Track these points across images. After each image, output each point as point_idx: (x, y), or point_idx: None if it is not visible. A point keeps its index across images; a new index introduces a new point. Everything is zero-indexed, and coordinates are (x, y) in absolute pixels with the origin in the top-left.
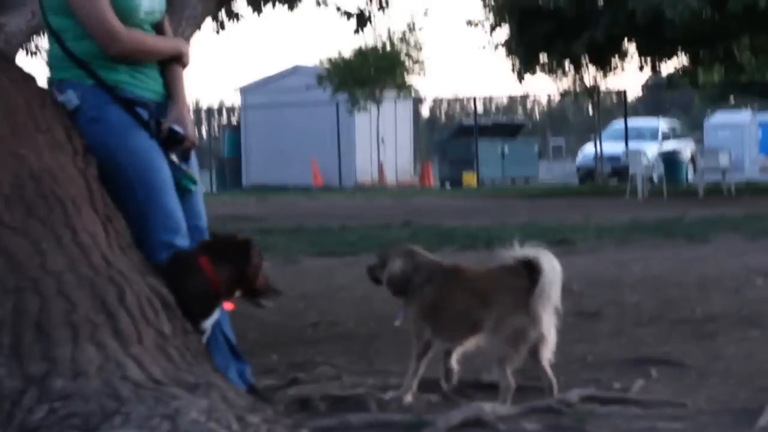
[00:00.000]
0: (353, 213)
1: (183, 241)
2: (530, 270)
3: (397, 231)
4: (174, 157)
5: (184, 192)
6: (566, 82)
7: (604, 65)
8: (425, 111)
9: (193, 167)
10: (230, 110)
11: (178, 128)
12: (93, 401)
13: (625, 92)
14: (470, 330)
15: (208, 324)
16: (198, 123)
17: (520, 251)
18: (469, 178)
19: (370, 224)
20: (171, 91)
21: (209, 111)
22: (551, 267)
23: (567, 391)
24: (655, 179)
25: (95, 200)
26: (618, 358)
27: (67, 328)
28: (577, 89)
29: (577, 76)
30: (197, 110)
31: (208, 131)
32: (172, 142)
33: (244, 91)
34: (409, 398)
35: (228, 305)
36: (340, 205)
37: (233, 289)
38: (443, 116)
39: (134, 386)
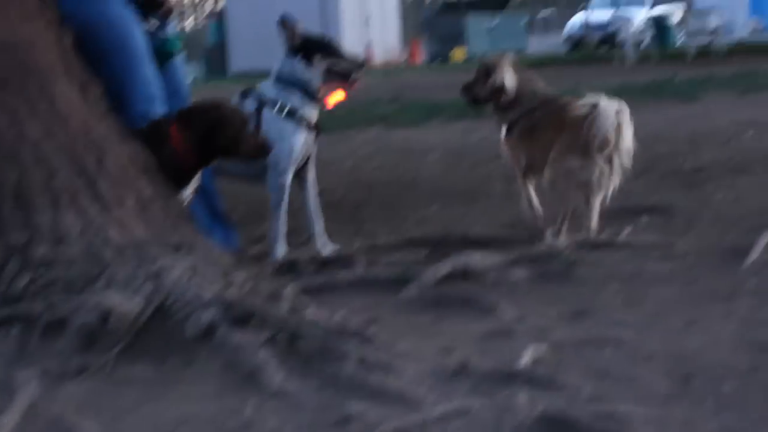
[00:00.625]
0: None
1: (161, 108)
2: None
3: (385, 106)
4: (153, 23)
5: (164, 59)
6: None
7: None
8: None
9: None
10: None
11: None
12: (76, 266)
13: None
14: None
15: (185, 194)
16: (182, 14)
17: (590, 99)
18: (459, 54)
19: (358, 101)
20: None
21: (192, 1)
22: (607, 114)
23: (553, 239)
24: (645, 44)
25: (71, 69)
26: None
27: (47, 195)
28: None
29: None
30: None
31: (194, 21)
32: (151, 5)
33: None
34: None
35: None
36: None
37: (209, 156)
38: None
39: (116, 249)
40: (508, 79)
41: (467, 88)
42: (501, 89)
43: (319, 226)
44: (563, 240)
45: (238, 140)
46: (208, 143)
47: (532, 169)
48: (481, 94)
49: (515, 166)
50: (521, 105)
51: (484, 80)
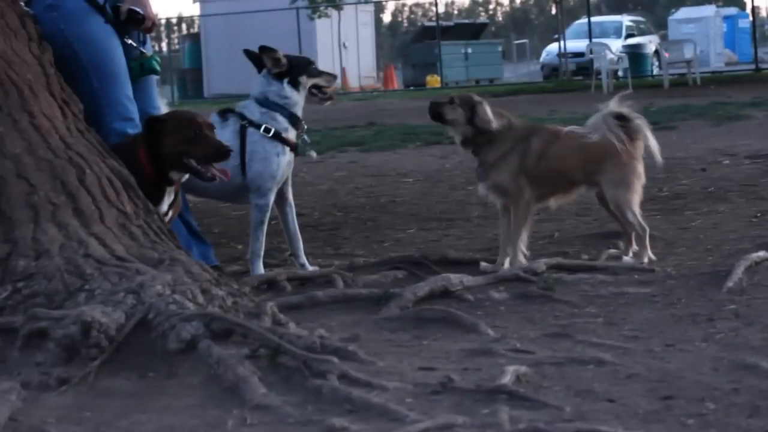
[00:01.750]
0: (316, 117)
1: (136, 131)
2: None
3: (362, 131)
4: (132, 41)
5: (142, 76)
6: None
7: None
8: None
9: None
10: (189, 21)
11: (137, 9)
12: (56, 279)
13: None
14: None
15: (162, 209)
16: (158, 37)
17: (615, 105)
18: (433, 81)
19: (334, 125)
20: None
21: (168, 23)
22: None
23: (533, 261)
24: (620, 74)
25: (52, 85)
26: (585, 233)
27: (28, 209)
28: None
29: None
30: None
31: (168, 44)
32: (131, 23)
33: (202, 0)
34: (523, 260)
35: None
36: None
37: (172, 166)
38: (405, 21)
39: (97, 263)
40: (491, 119)
41: (437, 107)
42: (485, 129)
43: (298, 244)
44: (542, 262)
45: (193, 144)
46: (166, 150)
47: (543, 197)
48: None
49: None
50: (504, 140)
51: (464, 115)
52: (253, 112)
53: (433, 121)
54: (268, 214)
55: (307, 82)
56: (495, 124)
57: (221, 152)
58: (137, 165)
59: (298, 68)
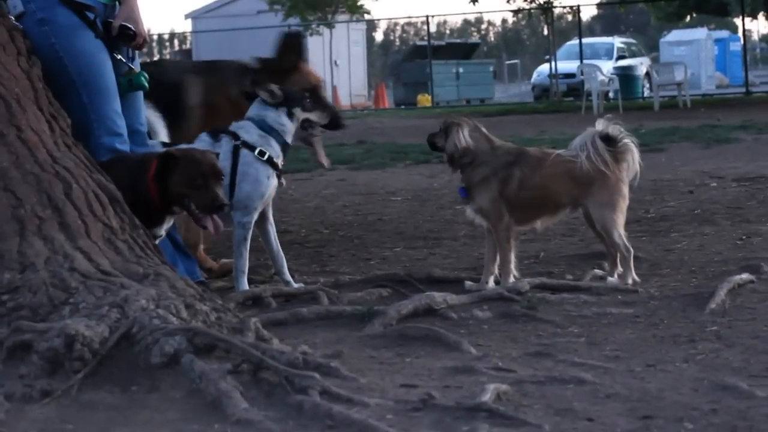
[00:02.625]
0: None
1: (124, 146)
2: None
3: (352, 149)
4: (121, 57)
5: (130, 92)
6: (519, 2)
7: None
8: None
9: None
10: (181, 37)
11: (129, 25)
12: (41, 293)
13: (578, 7)
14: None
15: (159, 232)
16: (149, 53)
17: (603, 126)
18: (424, 101)
19: (324, 143)
20: None
21: (160, 39)
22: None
23: (517, 281)
24: (611, 95)
25: (40, 99)
26: (571, 254)
27: (14, 222)
28: (531, 8)
29: None
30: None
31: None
32: (123, 39)
33: (194, 17)
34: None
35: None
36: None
37: (172, 202)
38: (397, 40)
39: (82, 277)
40: (468, 140)
41: (431, 137)
42: (463, 151)
43: (282, 262)
44: (526, 282)
45: (196, 191)
46: (170, 188)
47: (528, 221)
48: (441, 147)
49: (494, 220)
50: (486, 164)
51: (444, 138)
52: (252, 134)
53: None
54: (250, 232)
55: (300, 115)
56: (464, 146)
57: (216, 206)
58: (145, 188)
59: (293, 100)
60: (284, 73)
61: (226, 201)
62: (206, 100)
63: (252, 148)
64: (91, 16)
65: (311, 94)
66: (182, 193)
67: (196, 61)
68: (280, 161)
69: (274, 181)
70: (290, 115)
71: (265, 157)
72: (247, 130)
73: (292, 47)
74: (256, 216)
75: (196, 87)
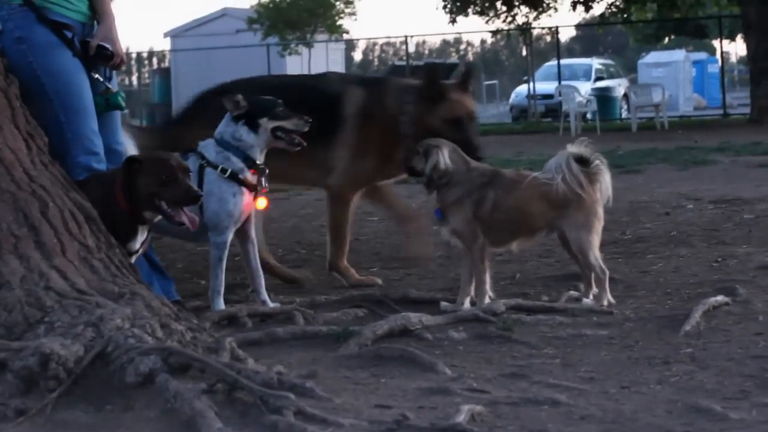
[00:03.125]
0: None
1: (101, 165)
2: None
3: None
4: (98, 76)
5: (107, 111)
6: (498, 23)
7: (536, 4)
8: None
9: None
10: (160, 56)
11: (106, 45)
12: (16, 311)
13: (557, 28)
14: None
15: (134, 246)
16: (128, 71)
17: (576, 147)
18: None
19: None
20: (98, 10)
21: (139, 57)
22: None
23: (492, 302)
24: (589, 116)
25: (17, 117)
26: (547, 275)
27: None
28: (509, 29)
29: (510, 15)
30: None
31: (138, 78)
32: (100, 59)
33: (173, 35)
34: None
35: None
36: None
37: (146, 207)
38: (376, 60)
39: (58, 296)
40: (448, 162)
41: (408, 161)
42: (440, 172)
43: (260, 281)
44: (501, 303)
45: (165, 187)
46: (140, 190)
47: (504, 242)
48: (420, 170)
49: (468, 241)
50: (461, 185)
51: (423, 161)
52: (210, 151)
53: (411, 177)
54: (226, 252)
55: (268, 124)
56: (445, 168)
57: (190, 196)
58: (113, 200)
59: (259, 110)
60: (433, 101)
61: (199, 192)
62: (363, 112)
63: (215, 166)
64: (69, 35)
65: (455, 125)
66: (152, 192)
67: (362, 75)
68: (247, 176)
69: (243, 198)
70: (255, 127)
71: (227, 174)
72: (207, 149)
73: (432, 81)
74: (230, 235)
75: (356, 98)
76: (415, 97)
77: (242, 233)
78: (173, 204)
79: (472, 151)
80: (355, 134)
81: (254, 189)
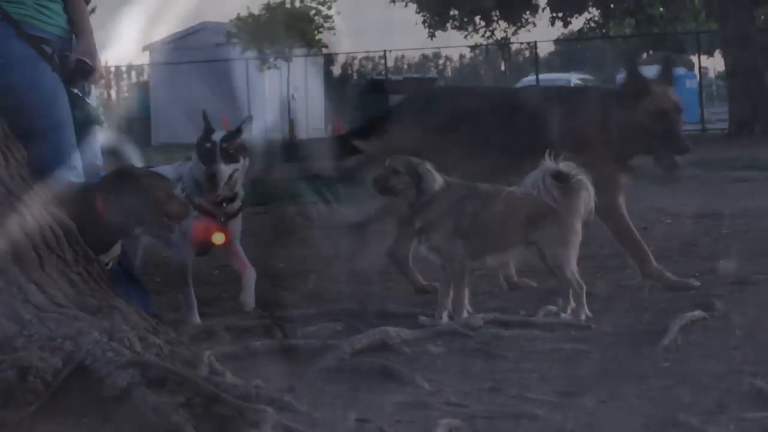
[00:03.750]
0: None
1: (78, 180)
2: (561, 179)
3: (308, 182)
4: (77, 91)
5: (86, 125)
6: (477, 38)
7: (515, 19)
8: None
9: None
10: (139, 70)
11: (85, 59)
12: None
13: (535, 43)
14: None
15: (106, 258)
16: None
17: (554, 164)
18: None
19: (281, 177)
20: (77, 24)
21: (117, 71)
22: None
23: (470, 316)
24: None
25: None
26: (524, 289)
27: None
28: (488, 43)
29: (488, 30)
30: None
31: (117, 91)
32: (79, 73)
33: (151, 49)
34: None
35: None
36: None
37: (130, 221)
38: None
39: (36, 309)
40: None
41: (383, 182)
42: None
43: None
44: (480, 317)
45: (155, 206)
46: (127, 208)
47: (479, 256)
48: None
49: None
50: (440, 201)
51: (411, 182)
52: (168, 173)
53: (382, 196)
54: (187, 270)
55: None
56: (443, 185)
57: (187, 211)
58: (94, 212)
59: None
60: (637, 96)
61: (191, 207)
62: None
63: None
64: (48, 50)
65: (662, 117)
66: (152, 207)
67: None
68: (204, 204)
69: (201, 222)
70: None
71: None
72: (166, 171)
73: (635, 77)
74: (189, 258)
75: (565, 115)
76: (616, 97)
77: (232, 258)
78: (174, 219)
79: (679, 143)
80: (577, 151)
81: (215, 215)
